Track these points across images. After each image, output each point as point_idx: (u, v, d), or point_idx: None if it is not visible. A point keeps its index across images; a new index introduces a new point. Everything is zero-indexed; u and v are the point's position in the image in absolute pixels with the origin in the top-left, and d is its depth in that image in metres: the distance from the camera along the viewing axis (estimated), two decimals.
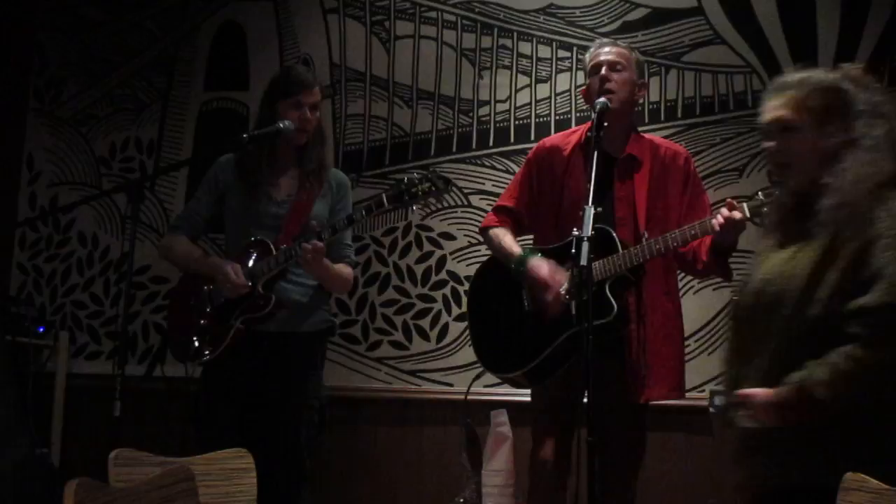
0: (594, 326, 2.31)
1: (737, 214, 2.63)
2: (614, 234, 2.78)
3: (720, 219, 2.66)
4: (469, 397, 3.50)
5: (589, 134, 2.79)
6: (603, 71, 2.90)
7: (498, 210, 3.10)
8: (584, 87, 3.05)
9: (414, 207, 2.97)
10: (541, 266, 2.82)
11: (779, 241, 2.22)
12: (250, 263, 3.10)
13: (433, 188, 2.91)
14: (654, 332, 2.86)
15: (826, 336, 1.98)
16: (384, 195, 2.96)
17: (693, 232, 2.73)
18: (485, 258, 3.91)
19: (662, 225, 2.85)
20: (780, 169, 2.22)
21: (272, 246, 3.09)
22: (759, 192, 2.69)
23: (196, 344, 3.14)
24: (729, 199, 2.70)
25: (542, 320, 2.85)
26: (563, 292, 2.79)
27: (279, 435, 3.10)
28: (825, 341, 1.98)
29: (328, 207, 3.24)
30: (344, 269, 3.24)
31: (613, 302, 2.73)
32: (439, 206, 3.48)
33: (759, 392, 2.04)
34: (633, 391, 2.85)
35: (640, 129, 3.11)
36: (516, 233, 3.04)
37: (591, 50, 3.03)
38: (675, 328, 2.96)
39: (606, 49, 2.97)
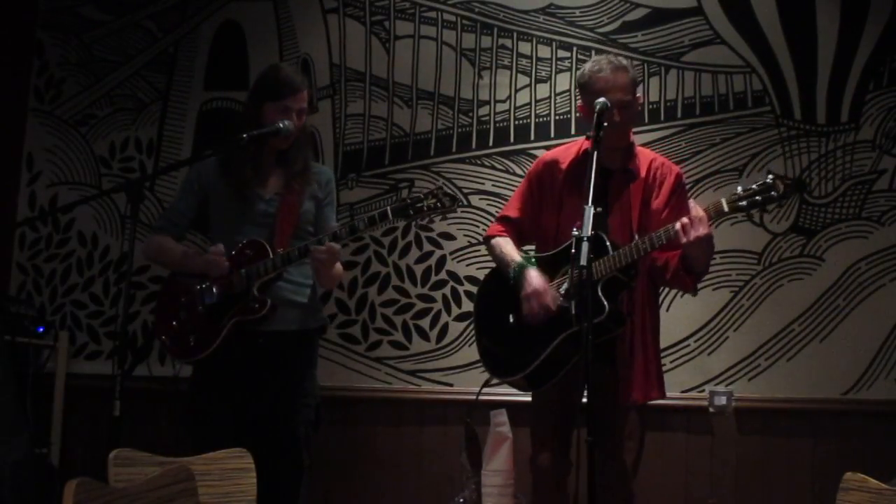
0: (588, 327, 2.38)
1: (699, 212, 2.67)
2: (605, 237, 2.82)
3: (684, 220, 2.70)
4: (469, 397, 3.50)
5: (589, 134, 2.82)
6: (616, 117, 2.85)
7: (500, 220, 3.16)
8: (581, 105, 3.01)
9: (417, 222, 2.97)
10: (534, 278, 2.89)
11: None
12: (245, 264, 3.09)
13: (439, 204, 2.93)
14: (637, 337, 2.92)
15: None
16: (389, 208, 2.97)
17: (665, 234, 2.75)
18: (484, 259, 3.94)
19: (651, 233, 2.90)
20: None
21: (268, 247, 3.09)
22: (739, 188, 2.68)
23: (189, 342, 3.13)
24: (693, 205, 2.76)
25: (537, 326, 2.89)
26: (556, 297, 2.86)
27: (278, 432, 3.12)
28: None
29: (315, 203, 3.25)
30: (339, 266, 3.25)
31: (605, 302, 2.75)
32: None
33: None
34: (621, 393, 2.91)
35: (642, 127, 3.14)
36: (518, 242, 3.09)
37: (593, 72, 2.92)
38: (654, 333, 3.00)
39: (609, 79, 2.87)
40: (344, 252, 3.29)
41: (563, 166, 3.02)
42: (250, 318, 3.07)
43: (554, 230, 3.00)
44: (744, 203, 2.64)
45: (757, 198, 2.62)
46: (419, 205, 2.93)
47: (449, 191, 3.00)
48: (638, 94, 3.00)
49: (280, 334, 3.13)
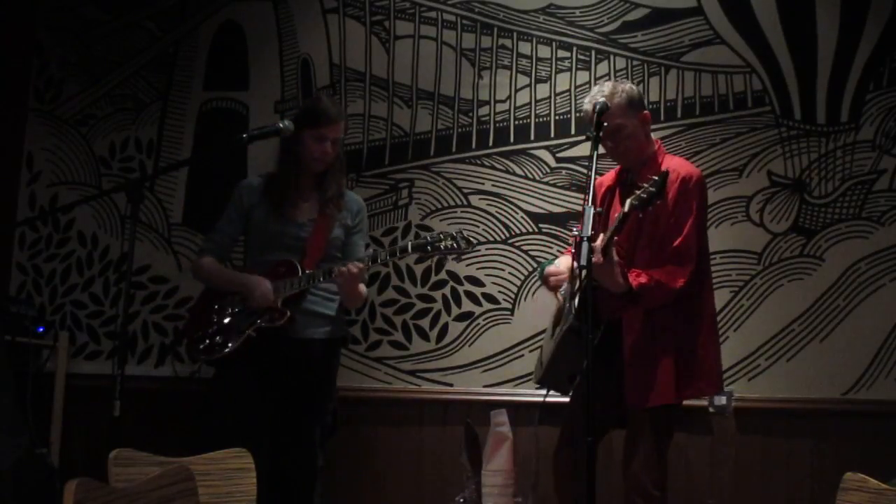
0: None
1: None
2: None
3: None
4: (469, 397, 3.51)
5: (589, 134, 2.88)
6: (609, 142, 3.01)
7: None
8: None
9: (433, 259, 3.38)
10: (547, 277, 3.15)
11: None
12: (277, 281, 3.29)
13: (454, 245, 3.18)
14: (632, 345, 2.97)
15: None
16: (409, 243, 3.26)
17: None
18: (484, 259, 3.95)
19: (658, 244, 2.94)
20: None
21: (299, 267, 3.28)
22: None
23: (214, 342, 3.30)
24: None
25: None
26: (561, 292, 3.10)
27: (296, 433, 3.29)
28: None
29: (345, 230, 3.42)
30: (363, 287, 3.43)
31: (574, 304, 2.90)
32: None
33: None
34: (627, 395, 2.99)
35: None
36: None
37: (588, 103, 3.04)
38: (660, 343, 2.98)
39: (602, 111, 2.94)
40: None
41: (604, 187, 3.23)
42: (270, 325, 3.25)
43: None
44: (635, 202, 2.70)
45: (653, 189, 2.68)
46: (437, 244, 3.18)
47: (468, 235, 3.24)
48: (643, 109, 3.07)
49: (307, 342, 3.31)
